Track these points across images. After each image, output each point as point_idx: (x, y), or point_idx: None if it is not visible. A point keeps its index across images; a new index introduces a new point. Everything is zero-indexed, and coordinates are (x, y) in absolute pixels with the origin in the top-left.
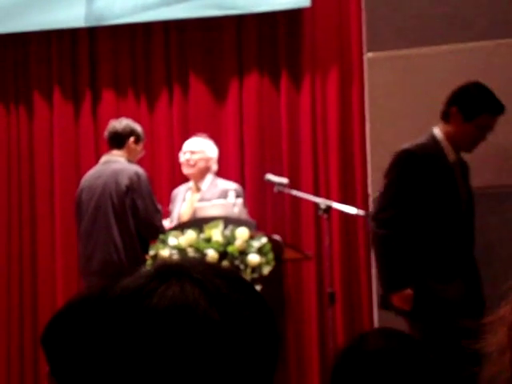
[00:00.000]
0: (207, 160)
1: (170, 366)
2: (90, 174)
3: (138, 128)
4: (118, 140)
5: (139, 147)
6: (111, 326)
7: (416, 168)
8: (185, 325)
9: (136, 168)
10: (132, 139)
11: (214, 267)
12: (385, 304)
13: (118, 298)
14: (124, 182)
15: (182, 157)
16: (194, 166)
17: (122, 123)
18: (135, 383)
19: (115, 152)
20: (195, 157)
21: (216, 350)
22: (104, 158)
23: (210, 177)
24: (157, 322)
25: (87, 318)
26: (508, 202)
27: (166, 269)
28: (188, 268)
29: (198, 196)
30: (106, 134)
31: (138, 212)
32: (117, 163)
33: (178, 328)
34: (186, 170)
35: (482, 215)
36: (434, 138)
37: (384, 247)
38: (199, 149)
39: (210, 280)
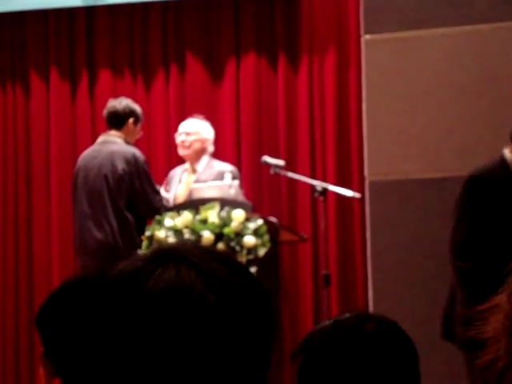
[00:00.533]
0: (203, 141)
1: (165, 348)
2: (87, 154)
3: (137, 109)
4: (118, 120)
5: (138, 128)
6: (107, 309)
7: (484, 192)
8: (181, 308)
9: (133, 150)
10: (131, 120)
11: (211, 251)
12: (448, 334)
13: (115, 281)
14: (121, 164)
15: (178, 138)
16: (189, 147)
17: (122, 103)
18: (129, 365)
19: (113, 132)
20: (190, 138)
21: (212, 332)
22: (101, 138)
23: (205, 158)
24: (153, 305)
25: (83, 300)
26: None
27: (163, 252)
28: (184, 251)
29: (193, 177)
30: (105, 112)
31: (137, 195)
32: (114, 144)
33: (174, 311)
34: (181, 152)
35: None
36: (503, 160)
37: (471, 281)
38: (195, 130)
39: (207, 263)
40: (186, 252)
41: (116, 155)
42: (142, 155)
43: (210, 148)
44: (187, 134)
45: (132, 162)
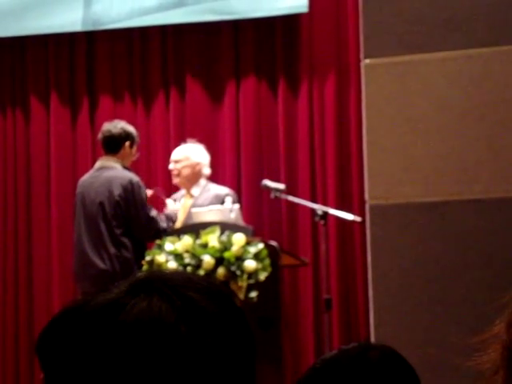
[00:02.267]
0: (193, 166)
1: (139, 378)
2: (85, 180)
3: (132, 131)
4: (114, 145)
5: (134, 150)
6: (87, 339)
7: None
8: (150, 338)
9: (130, 176)
10: (127, 144)
11: (193, 280)
12: None
13: (91, 312)
14: (117, 190)
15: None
16: (178, 175)
17: (117, 127)
18: None
19: (110, 157)
20: (179, 166)
21: (183, 362)
22: (98, 163)
23: (202, 182)
24: (124, 336)
25: (75, 328)
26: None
27: (138, 284)
28: (161, 282)
29: (190, 202)
30: (100, 137)
31: (134, 220)
32: (111, 170)
33: (144, 342)
34: (174, 180)
35: (474, 221)
36: None
37: None
38: (182, 156)
39: (182, 293)
40: (162, 283)
41: (113, 182)
42: (139, 180)
43: (206, 171)
44: (176, 161)
45: (129, 188)
